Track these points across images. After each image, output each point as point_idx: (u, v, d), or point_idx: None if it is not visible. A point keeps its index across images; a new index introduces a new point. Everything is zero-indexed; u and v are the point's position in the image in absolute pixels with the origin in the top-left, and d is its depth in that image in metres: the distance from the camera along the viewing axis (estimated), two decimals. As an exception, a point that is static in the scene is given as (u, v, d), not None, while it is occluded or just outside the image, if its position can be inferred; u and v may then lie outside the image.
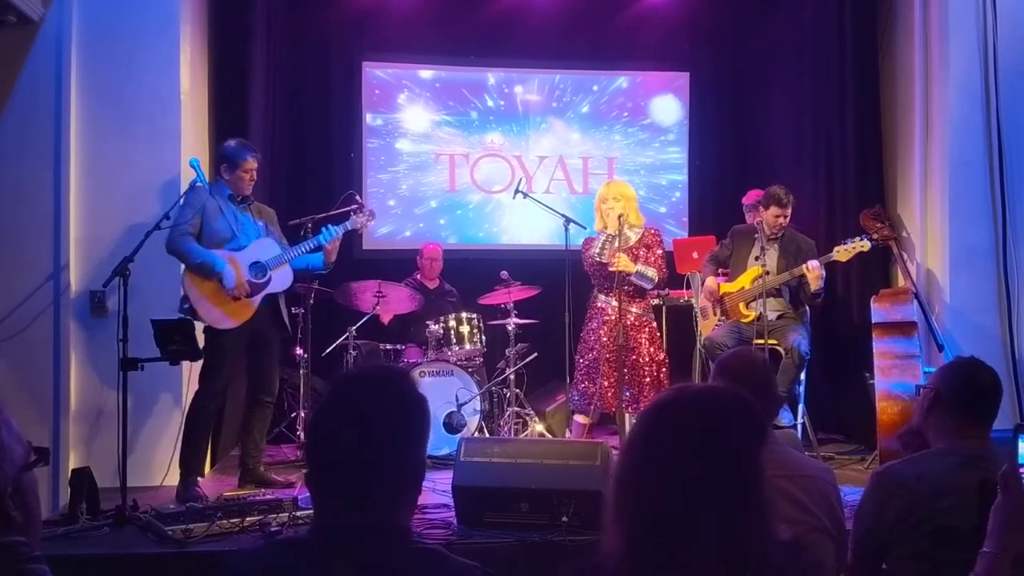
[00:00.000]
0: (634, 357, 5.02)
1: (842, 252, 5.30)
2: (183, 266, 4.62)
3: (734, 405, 1.41)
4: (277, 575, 1.46)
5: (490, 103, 7.54)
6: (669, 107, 7.69)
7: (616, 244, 5.02)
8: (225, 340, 4.65)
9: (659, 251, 5.18)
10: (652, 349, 5.11)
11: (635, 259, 5.01)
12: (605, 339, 5.06)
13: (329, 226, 4.96)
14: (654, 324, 5.22)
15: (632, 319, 5.04)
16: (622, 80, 7.68)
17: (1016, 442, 1.78)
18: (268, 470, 5.02)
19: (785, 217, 5.47)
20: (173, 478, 4.83)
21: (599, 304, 5.18)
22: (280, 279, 4.83)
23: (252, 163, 4.79)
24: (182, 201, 4.66)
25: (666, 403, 1.44)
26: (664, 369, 5.16)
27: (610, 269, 5.00)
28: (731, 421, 1.38)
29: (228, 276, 4.60)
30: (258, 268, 4.72)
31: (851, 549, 2.40)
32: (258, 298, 4.73)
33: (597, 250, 5.14)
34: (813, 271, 5.21)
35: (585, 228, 5.37)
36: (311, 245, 4.90)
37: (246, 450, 4.89)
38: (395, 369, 1.71)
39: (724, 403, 1.42)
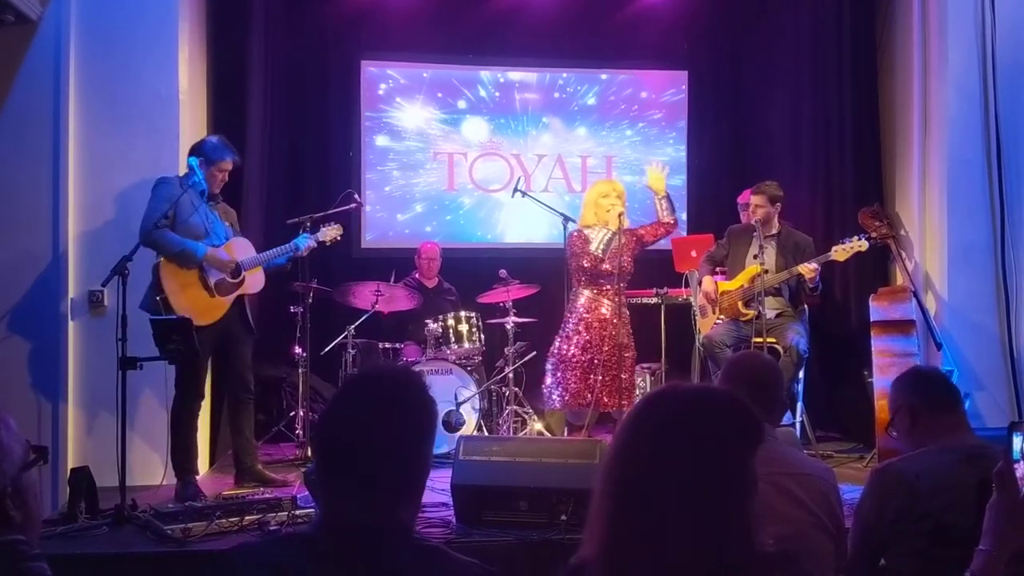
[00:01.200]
0: (627, 355, 4.99)
1: (840, 252, 5.31)
2: (160, 258, 4.56)
3: (728, 407, 1.39)
4: (279, 570, 1.46)
5: (488, 101, 7.54)
6: (667, 106, 7.69)
7: (617, 243, 4.98)
8: (200, 337, 4.58)
9: (641, 229, 5.24)
10: (632, 344, 5.09)
11: (627, 263, 4.99)
12: (598, 339, 5.00)
13: (306, 235, 5.05)
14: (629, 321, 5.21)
15: (620, 316, 5.00)
16: (621, 79, 7.68)
17: (1011, 439, 1.78)
18: (265, 468, 5.02)
19: (760, 207, 5.46)
20: (172, 477, 4.84)
21: (587, 302, 5.10)
22: (254, 281, 4.85)
23: (228, 164, 4.77)
24: (151, 195, 4.60)
25: (658, 400, 1.42)
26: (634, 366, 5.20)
27: (650, 181, 5.09)
28: (722, 424, 1.36)
29: (212, 259, 4.59)
30: (233, 268, 4.73)
31: (851, 546, 2.41)
32: (231, 297, 4.72)
33: (600, 248, 5.07)
34: (807, 269, 5.23)
35: (584, 227, 5.33)
36: (287, 250, 4.96)
37: (241, 449, 4.88)
38: (405, 369, 1.71)
39: (717, 405, 1.40)
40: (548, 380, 5.15)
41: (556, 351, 5.12)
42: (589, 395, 4.95)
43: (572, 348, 5.06)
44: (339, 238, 5.32)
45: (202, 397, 4.75)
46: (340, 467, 1.50)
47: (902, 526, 2.29)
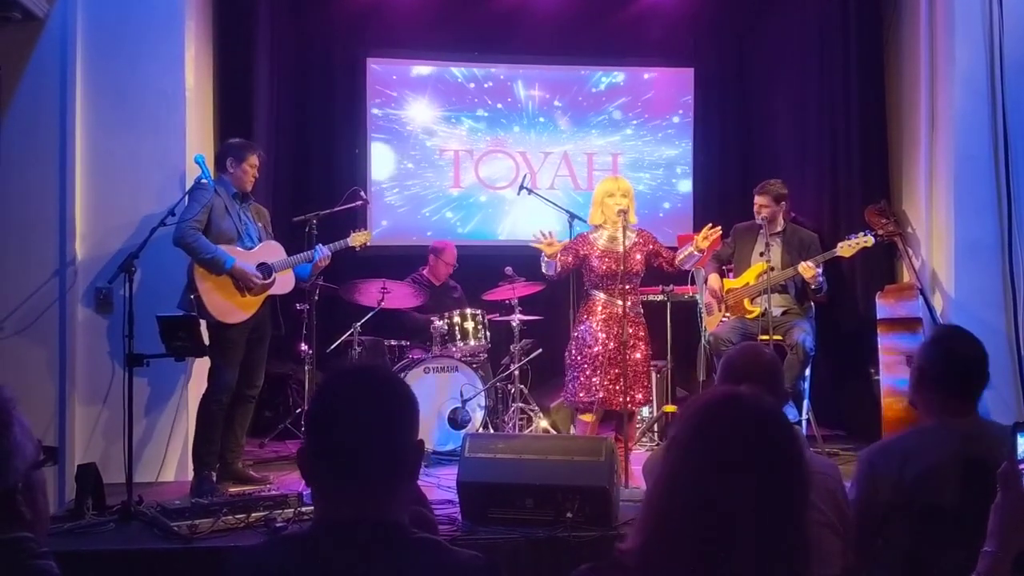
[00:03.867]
0: (637, 355, 4.94)
1: (845, 248, 5.30)
2: (191, 258, 4.65)
3: (784, 428, 1.40)
4: (279, 572, 1.47)
5: (494, 99, 7.53)
6: (673, 103, 7.68)
7: (623, 242, 4.87)
8: (232, 333, 4.70)
9: (662, 248, 5.13)
10: (645, 346, 5.04)
11: (637, 262, 4.93)
12: (607, 336, 4.95)
13: (320, 246, 5.04)
14: (644, 321, 5.14)
15: (631, 316, 4.95)
16: (626, 76, 7.67)
17: (1015, 439, 1.77)
18: (247, 467, 5.04)
19: (765, 207, 5.48)
20: (174, 473, 4.91)
21: (600, 301, 5.04)
22: (283, 282, 4.92)
23: (256, 160, 4.89)
24: (188, 197, 4.69)
25: (716, 409, 1.41)
26: (649, 365, 5.13)
27: (699, 244, 4.85)
28: (787, 434, 1.38)
29: (239, 271, 4.66)
30: (264, 269, 4.77)
31: (852, 529, 2.41)
32: (261, 297, 4.80)
33: (600, 246, 4.98)
34: (808, 271, 5.22)
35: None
36: (306, 257, 5.00)
37: (226, 446, 4.88)
38: (373, 363, 1.73)
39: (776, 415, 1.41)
40: (566, 378, 5.08)
41: (568, 353, 5.05)
42: (596, 391, 4.88)
43: (584, 348, 4.98)
44: (368, 243, 5.35)
45: (231, 391, 4.79)
46: (324, 462, 1.50)
47: (894, 505, 2.32)
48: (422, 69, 7.47)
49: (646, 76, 7.70)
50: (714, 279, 5.62)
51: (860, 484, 2.42)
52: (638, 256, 4.96)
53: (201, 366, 4.98)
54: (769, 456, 1.34)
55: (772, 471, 1.33)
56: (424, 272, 6.70)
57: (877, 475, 2.36)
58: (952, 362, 2.39)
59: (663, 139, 7.67)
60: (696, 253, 4.89)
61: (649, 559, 1.34)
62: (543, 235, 4.85)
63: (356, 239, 5.25)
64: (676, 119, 7.68)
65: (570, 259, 4.98)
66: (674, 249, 5.20)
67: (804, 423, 5.45)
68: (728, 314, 5.55)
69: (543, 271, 4.98)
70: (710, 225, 4.88)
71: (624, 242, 4.80)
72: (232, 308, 4.69)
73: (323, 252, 5.03)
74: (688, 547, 1.31)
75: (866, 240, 5.28)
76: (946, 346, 2.44)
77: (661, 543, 1.34)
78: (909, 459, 2.32)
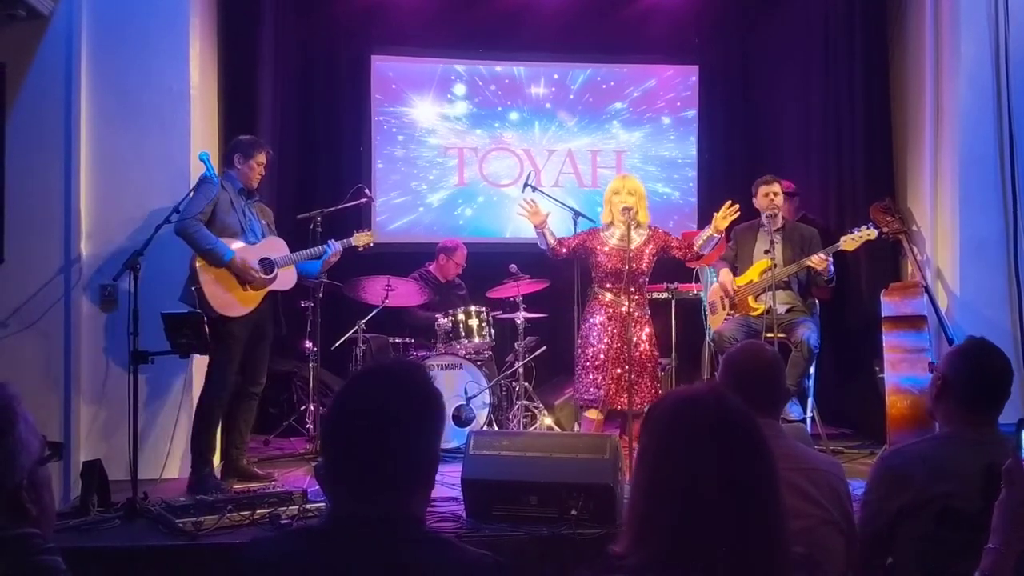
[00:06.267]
0: (636, 353, 4.92)
1: (849, 241, 5.29)
2: (192, 250, 4.65)
3: (743, 422, 1.41)
4: (291, 564, 1.48)
5: (498, 96, 7.53)
6: (678, 101, 7.67)
7: (627, 242, 4.86)
8: (232, 328, 4.70)
9: (675, 240, 5.13)
10: (650, 345, 5.02)
11: (645, 261, 4.93)
12: (610, 335, 4.94)
13: (332, 241, 5.07)
14: (651, 320, 5.12)
15: (636, 315, 4.95)
16: (631, 73, 7.67)
17: (1019, 436, 1.77)
18: (251, 464, 5.05)
19: (776, 194, 5.48)
20: (178, 470, 4.92)
21: (605, 299, 5.06)
22: (285, 278, 4.92)
23: (264, 158, 4.90)
24: (193, 192, 4.70)
25: (673, 411, 1.43)
26: (658, 366, 5.09)
27: (717, 225, 4.83)
28: (740, 441, 1.39)
29: (238, 264, 4.67)
30: (266, 264, 4.77)
31: (859, 537, 2.41)
32: (263, 292, 4.80)
33: (612, 242, 4.99)
34: (821, 262, 5.20)
35: (593, 222, 5.27)
36: (315, 253, 5.01)
37: (231, 443, 4.90)
38: (412, 363, 1.72)
39: (734, 419, 1.41)
40: (576, 379, 5.06)
41: (577, 352, 5.04)
42: (599, 389, 4.88)
43: (587, 347, 4.97)
44: (372, 245, 5.35)
45: (230, 387, 4.79)
46: (346, 457, 1.51)
47: (909, 512, 2.30)
48: (426, 66, 7.47)
49: (650, 73, 7.69)
50: (726, 274, 5.59)
51: (876, 486, 2.40)
52: (647, 254, 4.95)
53: (201, 363, 4.98)
54: (728, 451, 1.36)
55: (733, 466, 1.35)
56: (431, 268, 6.70)
57: (896, 476, 2.35)
58: (984, 376, 2.39)
59: (667, 136, 7.67)
60: (715, 235, 4.90)
61: (640, 560, 1.35)
62: (527, 203, 4.94)
63: (359, 239, 5.26)
64: (681, 116, 7.67)
65: (573, 242, 5.03)
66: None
67: (808, 421, 5.45)
68: (732, 311, 5.55)
69: (538, 244, 5.05)
70: (728, 203, 4.86)
71: (631, 240, 4.80)
72: (233, 302, 4.69)
73: (335, 247, 5.07)
74: (671, 544, 1.33)
75: (869, 233, 5.27)
76: (977, 360, 2.42)
77: (647, 543, 1.36)
78: (929, 461, 2.32)
